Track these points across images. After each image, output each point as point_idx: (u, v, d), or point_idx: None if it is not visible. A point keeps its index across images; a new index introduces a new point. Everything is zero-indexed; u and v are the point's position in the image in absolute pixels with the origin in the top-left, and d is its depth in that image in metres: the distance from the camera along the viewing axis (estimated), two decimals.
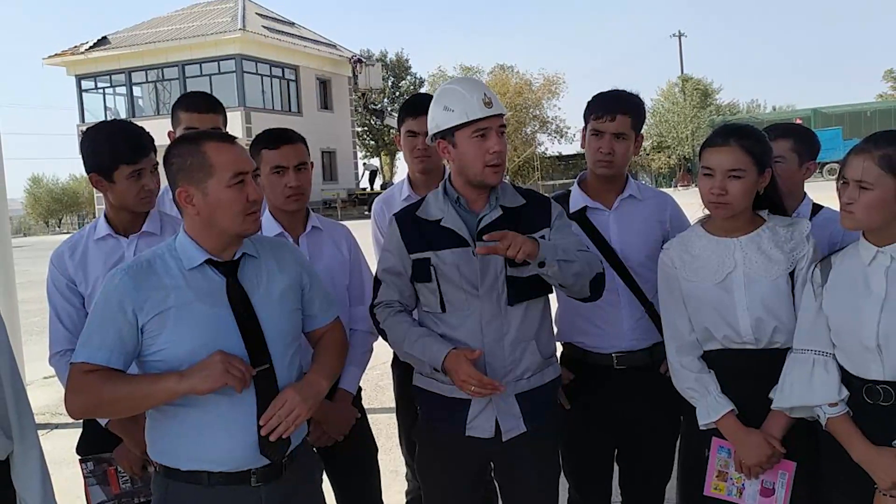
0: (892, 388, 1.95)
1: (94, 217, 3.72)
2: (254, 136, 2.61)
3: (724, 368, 2.25)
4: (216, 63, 30.09)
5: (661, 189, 3.35)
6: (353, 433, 2.64)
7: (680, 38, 46.80)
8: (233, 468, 1.91)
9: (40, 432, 1.99)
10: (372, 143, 42.25)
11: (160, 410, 1.92)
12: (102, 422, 2.37)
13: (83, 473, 2.45)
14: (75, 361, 1.88)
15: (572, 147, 42.40)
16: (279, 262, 2.06)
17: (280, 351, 1.97)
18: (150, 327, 1.87)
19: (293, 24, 35.13)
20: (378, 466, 2.82)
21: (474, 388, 2.09)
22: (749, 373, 2.22)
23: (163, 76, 31.16)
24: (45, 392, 6.28)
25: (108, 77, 31.78)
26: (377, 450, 2.83)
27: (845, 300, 2.03)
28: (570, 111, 47.51)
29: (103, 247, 2.46)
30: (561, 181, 36.25)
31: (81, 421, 2.43)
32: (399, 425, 3.08)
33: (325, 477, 2.37)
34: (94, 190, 3.67)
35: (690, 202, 2.55)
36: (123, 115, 29.78)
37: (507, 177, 3.02)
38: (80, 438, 2.52)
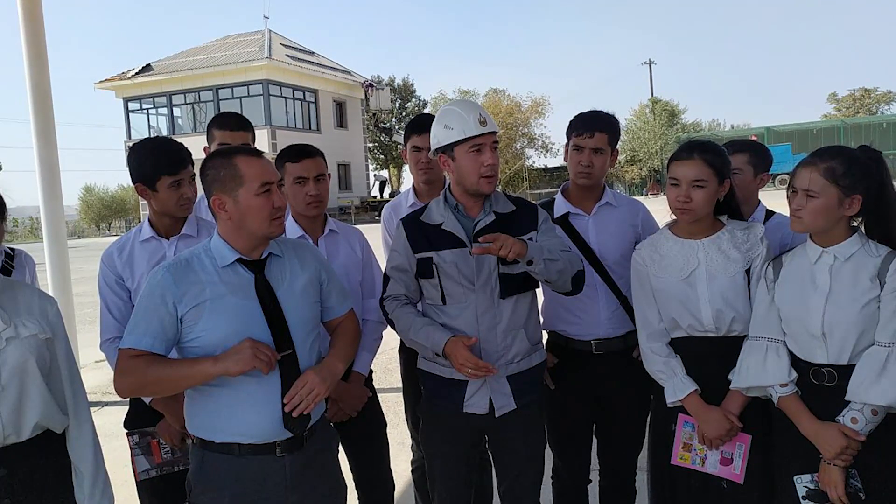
0: (836, 371, 1.95)
1: (140, 222, 3.71)
2: (279, 151, 2.61)
3: (688, 353, 2.25)
4: (246, 87, 30.05)
5: (634, 197, 3.34)
6: (365, 410, 2.64)
7: (650, 66, 46.75)
8: (260, 440, 1.91)
9: (92, 409, 1.99)
10: (381, 156, 42.17)
11: (197, 390, 1.92)
12: (147, 400, 2.38)
13: (130, 445, 2.45)
14: (123, 347, 1.88)
15: (556, 160, 42.38)
16: (301, 261, 2.06)
17: (301, 338, 1.97)
18: (189, 317, 1.87)
19: (313, 52, 35.06)
20: (387, 439, 2.81)
21: (471, 370, 2.09)
22: (710, 357, 2.22)
23: (199, 99, 31.11)
24: (96, 374, 6.29)
25: (151, 99, 31.72)
26: (386, 424, 2.83)
27: (794, 294, 2.03)
28: (554, 129, 47.52)
29: (147, 247, 2.46)
30: (546, 190, 36.13)
31: (128, 399, 2.43)
32: (405, 403, 3.07)
33: (340, 448, 2.37)
34: (140, 198, 3.66)
35: (659, 209, 2.55)
36: (165, 133, 29.74)
37: (500, 186, 3.01)
38: (127, 414, 2.52)
